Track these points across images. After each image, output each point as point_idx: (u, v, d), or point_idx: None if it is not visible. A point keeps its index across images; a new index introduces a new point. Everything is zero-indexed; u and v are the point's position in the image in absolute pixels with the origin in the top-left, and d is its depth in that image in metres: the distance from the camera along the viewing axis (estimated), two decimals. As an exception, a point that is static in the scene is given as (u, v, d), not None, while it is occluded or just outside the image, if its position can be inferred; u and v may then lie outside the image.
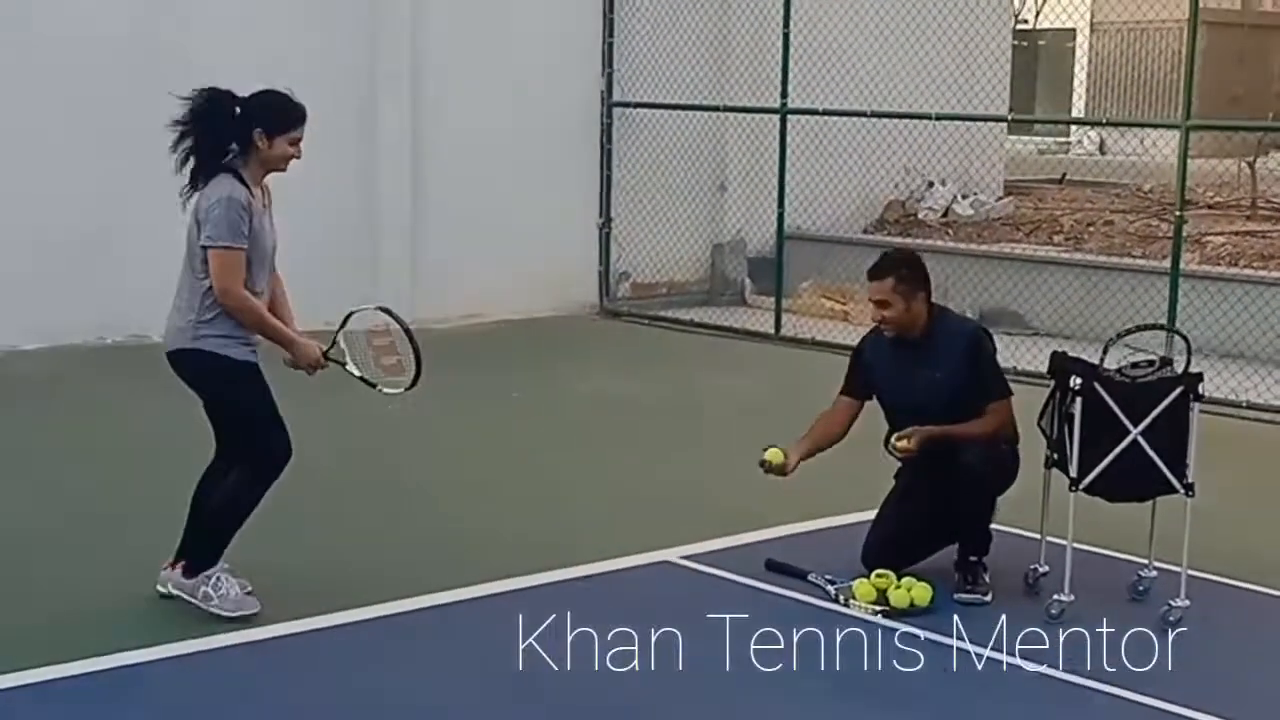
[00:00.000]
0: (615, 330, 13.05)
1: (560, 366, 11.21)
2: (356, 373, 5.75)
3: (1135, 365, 5.99)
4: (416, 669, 5.28)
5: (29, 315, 10.75)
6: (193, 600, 5.53)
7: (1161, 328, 6.28)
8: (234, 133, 5.42)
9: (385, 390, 5.78)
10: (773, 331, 12.65)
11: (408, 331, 5.74)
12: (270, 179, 5.61)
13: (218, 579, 5.51)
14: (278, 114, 5.48)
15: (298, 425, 5.67)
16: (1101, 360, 5.91)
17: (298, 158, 5.57)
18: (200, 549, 5.56)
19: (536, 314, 12.98)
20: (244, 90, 5.46)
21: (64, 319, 10.86)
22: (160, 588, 5.71)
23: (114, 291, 10.98)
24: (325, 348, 5.60)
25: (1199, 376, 5.86)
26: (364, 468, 7.92)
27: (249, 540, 5.63)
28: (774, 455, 6.09)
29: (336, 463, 7.73)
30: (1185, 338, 6.04)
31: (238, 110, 5.43)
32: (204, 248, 5.29)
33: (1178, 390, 5.79)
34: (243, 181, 5.40)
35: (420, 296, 9.78)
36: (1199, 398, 5.84)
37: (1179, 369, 5.94)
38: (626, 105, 13.58)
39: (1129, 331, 6.26)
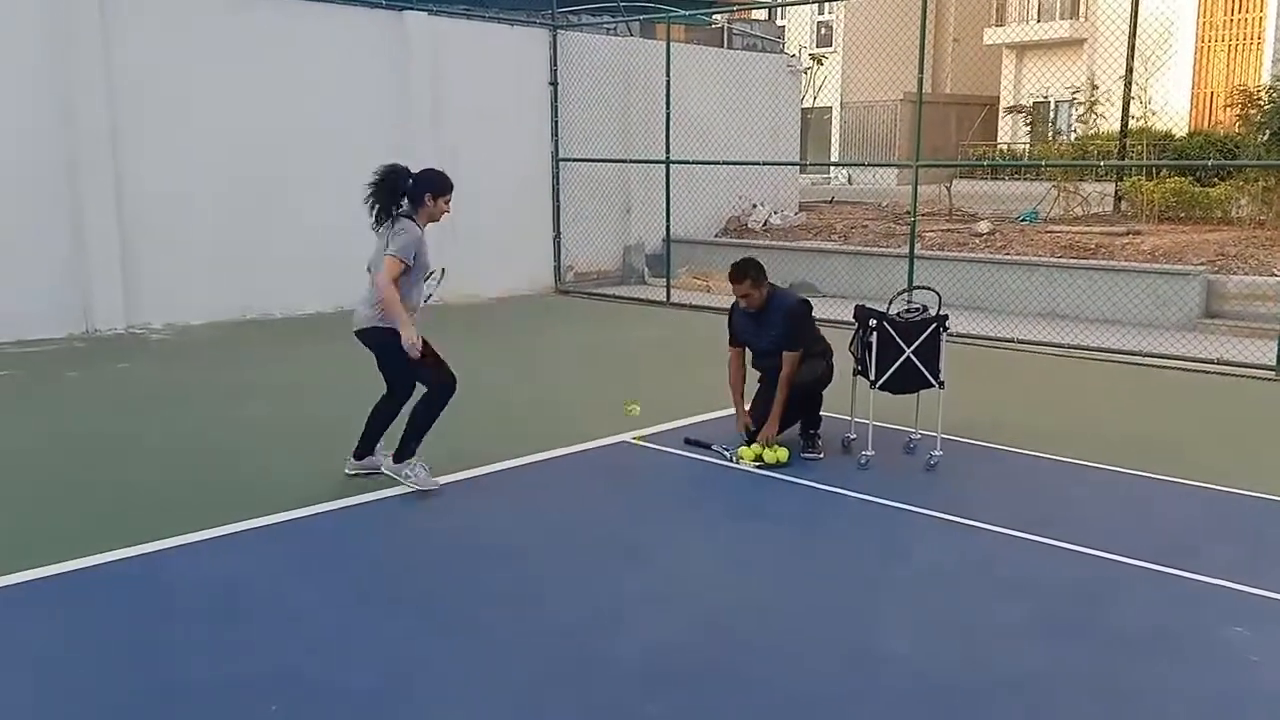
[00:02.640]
0: (566, 302, 12.97)
1: (535, 323, 11.17)
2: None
3: (907, 311, 6.14)
4: (498, 509, 5.31)
5: (198, 299, 10.49)
6: (398, 478, 5.41)
7: (925, 288, 6.36)
8: (409, 193, 5.31)
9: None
10: (664, 300, 12.64)
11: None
12: None
13: (415, 465, 5.42)
14: (440, 184, 5.39)
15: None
16: (887, 308, 6.06)
17: (449, 213, 5.45)
18: (404, 448, 5.40)
19: (518, 293, 12.88)
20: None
21: (217, 302, 10.60)
22: (348, 470, 5.57)
23: (250, 286, 10.77)
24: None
25: (946, 317, 5.99)
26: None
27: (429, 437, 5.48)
28: (632, 410, 6.45)
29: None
30: (938, 294, 6.11)
31: (411, 180, 5.31)
32: (386, 254, 5.16)
33: (933, 325, 5.96)
34: (417, 224, 5.31)
35: (459, 283, 9.85)
36: (946, 330, 6.03)
37: (933, 312, 6.04)
38: (567, 160, 13.43)
39: (904, 291, 6.43)
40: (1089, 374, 8.79)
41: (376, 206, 5.29)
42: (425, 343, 5.31)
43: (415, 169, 5.41)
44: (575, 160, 13.37)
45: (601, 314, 12.10)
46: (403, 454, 5.43)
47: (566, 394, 7.93)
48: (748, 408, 6.29)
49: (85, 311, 9.89)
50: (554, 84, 13.25)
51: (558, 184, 13.47)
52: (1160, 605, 4.24)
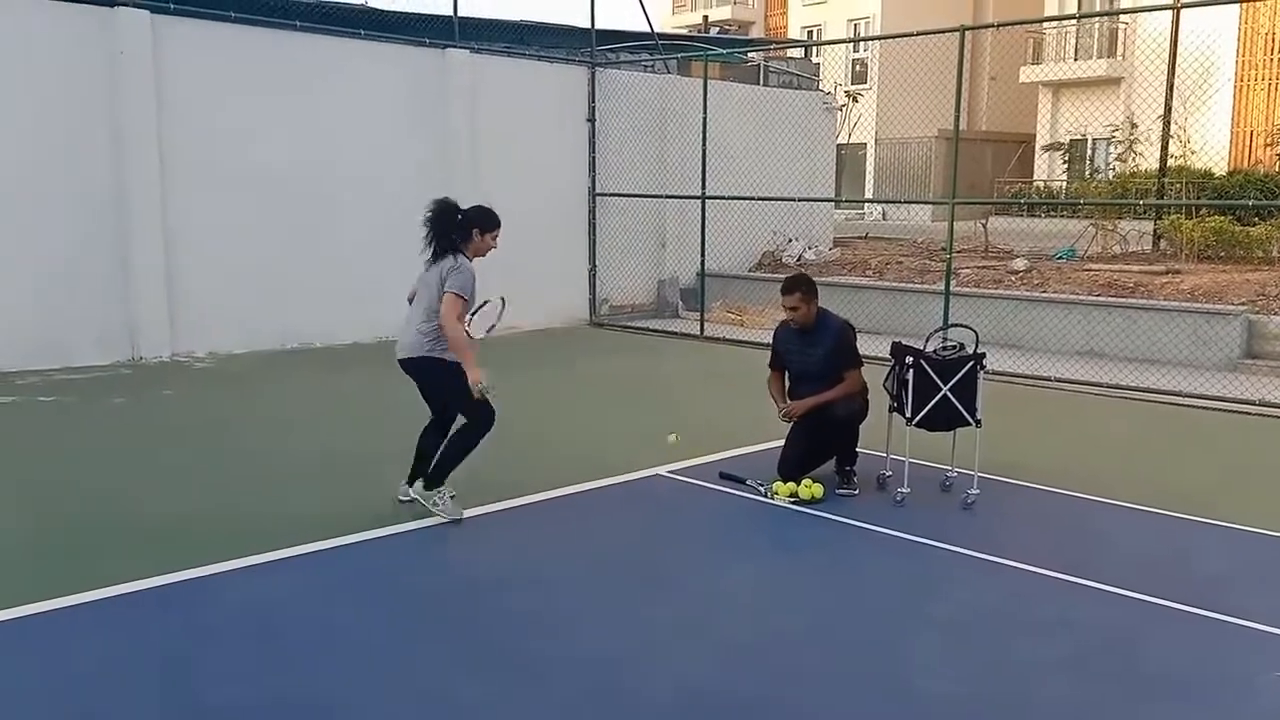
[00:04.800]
0: (600, 335, 13.03)
1: (570, 356, 11.23)
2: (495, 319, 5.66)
3: (944, 348, 6.14)
4: (532, 541, 5.34)
5: (241, 329, 10.67)
6: (427, 505, 5.47)
7: (963, 325, 6.34)
8: (459, 228, 5.41)
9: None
10: (698, 334, 12.67)
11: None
12: None
13: (444, 493, 5.46)
14: (488, 220, 5.48)
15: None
16: (924, 345, 6.06)
17: (495, 249, 5.54)
18: (436, 475, 5.45)
19: (554, 325, 12.95)
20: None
21: (258, 331, 10.78)
22: (401, 497, 5.62)
23: (290, 315, 10.94)
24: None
25: (983, 355, 5.97)
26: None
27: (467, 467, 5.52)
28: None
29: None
30: (975, 331, 6.11)
31: (460, 216, 5.41)
32: (445, 291, 5.24)
33: (970, 363, 5.95)
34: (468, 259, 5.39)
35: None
36: (983, 368, 6.01)
37: (970, 350, 6.02)
38: (604, 194, 13.56)
39: (940, 329, 6.41)
40: (1128, 414, 8.69)
41: (434, 241, 5.37)
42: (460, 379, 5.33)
43: (456, 203, 5.51)
44: (611, 195, 13.50)
45: (636, 347, 12.14)
46: (435, 481, 5.48)
47: (600, 426, 7.95)
48: (782, 447, 6.24)
49: (132, 339, 10.09)
50: (592, 120, 13.42)
51: (594, 218, 13.60)
52: (1195, 649, 4.17)
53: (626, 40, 14.81)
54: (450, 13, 12.19)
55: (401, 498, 5.64)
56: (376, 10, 12.33)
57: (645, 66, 14.58)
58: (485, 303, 5.58)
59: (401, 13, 12.16)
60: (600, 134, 13.48)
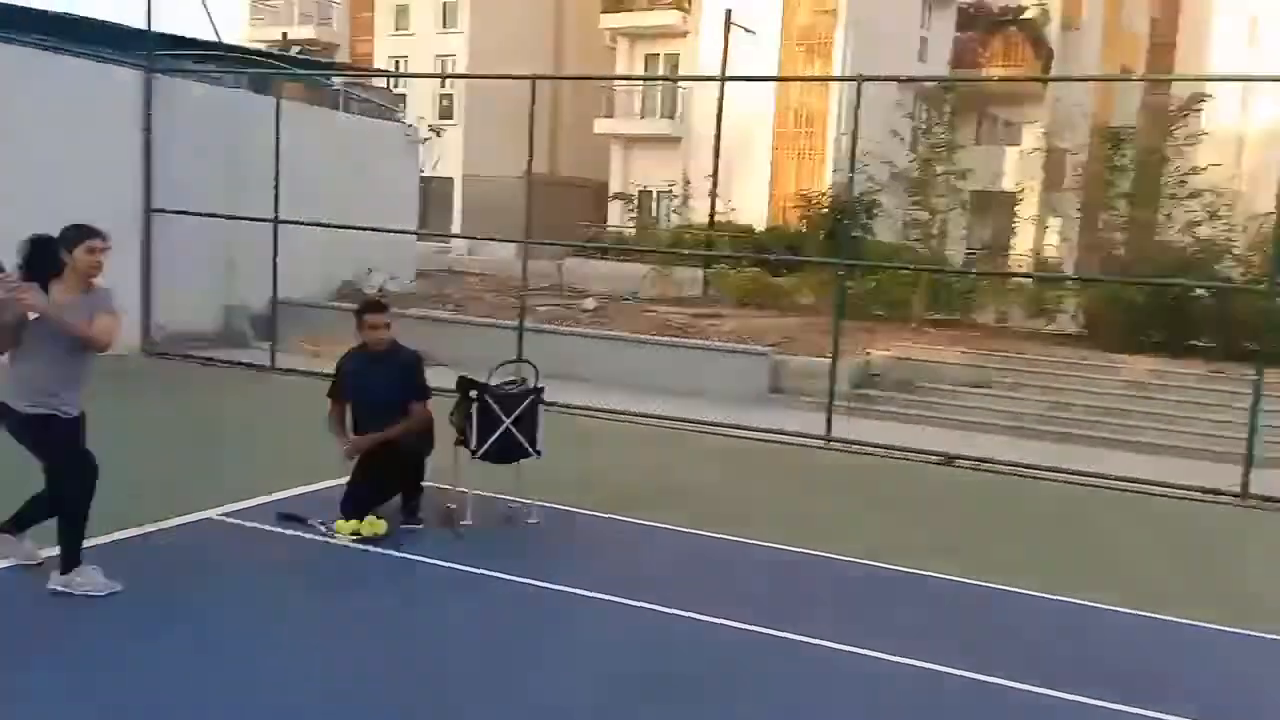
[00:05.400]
0: (155, 365, 11.87)
1: (118, 387, 10.06)
2: None
3: (508, 382, 6.39)
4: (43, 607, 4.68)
5: None
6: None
7: (523, 361, 6.65)
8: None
9: None
10: (269, 364, 12.03)
11: None
12: None
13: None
14: (73, 235, 4.73)
15: None
16: (489, 379, 6.27)
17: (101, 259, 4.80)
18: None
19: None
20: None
21: None
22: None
23: None
24: None
25: (542, 389, 6.32)
26: None
27: None
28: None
29: None
30: (535, 366, 6.44)
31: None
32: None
33: (531, 397, 6.26)
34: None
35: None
36: (543, 401, 6.34)
37: (531, 384, 6.36)
38: (161, 211, 12.47)
39: (504, 364, 6.65)
40: (673, 442, 9.59)
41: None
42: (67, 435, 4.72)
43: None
44: (173, 213, 12.45)
45: (196, 379, 11.28)
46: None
47: (151, 467, 7.20)
48: (346, 484, 6.08)
49: None
50: (147, 130, 12.31)
51: (149, 235, 12.45)
52: (724, 657, 4.69)
53: (190, 47, 13.80)
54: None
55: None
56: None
57: (214, 79, 13.68)
58: None
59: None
60: (159, 146, 12.40)
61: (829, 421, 9.79)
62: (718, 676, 4.42)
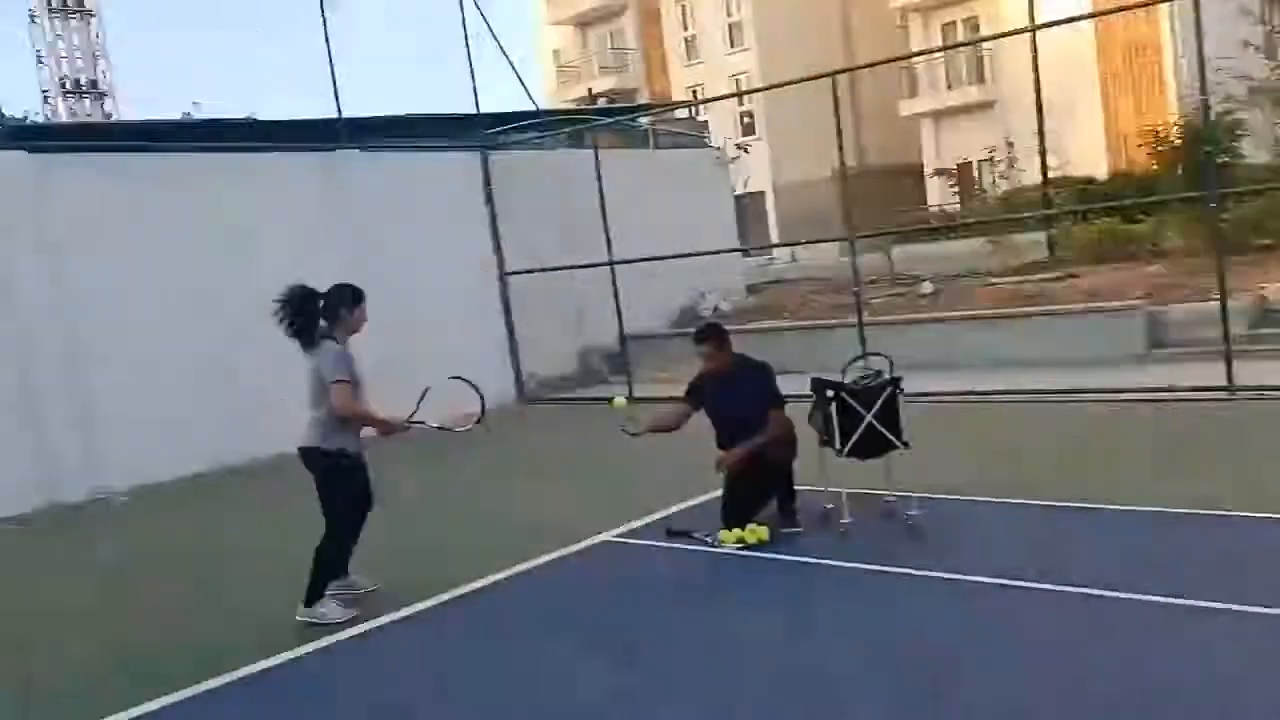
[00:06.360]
0: (531, 411, 12.96)
1: (503, 433, 11.07)
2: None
3: (862, 378, 6.29)
4: (481, 629, 5.22)
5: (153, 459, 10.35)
6: (311, 620, 5.40)
7: (875, 354, 6.50)
8: (324, 314, 5.43)
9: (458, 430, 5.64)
10: (627, 396, 12.65)
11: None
12: None
13: (324, 602, 5.38)
14: (348, 295, 5.47)
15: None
16: (842, 377, 6.20)
17: (366, 320, 5.52)
18: (310, 595, 5.35)
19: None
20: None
21: (176, 458, 10.45)
22: (299, 617, 5.44)
23: (207, 439, 10.66)
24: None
25: (900, 378, 6.13)
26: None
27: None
28: (618, 403, 6.50)
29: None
30: (889, 358, 6.27)
31: (321, 300, 5.40)
32: (331, 385, 5.27)
33: (889, 388, 6.10)
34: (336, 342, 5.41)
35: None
36: (902, 391, 6.15)
37: (886, 376, 6.17)
38: (513, 273, 13.64)
39: (855, 360, 6.57)
40: (1048, 417, 8.96)
41: (294, 326, 5.33)
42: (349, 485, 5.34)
43: (311, 289, 5.42)
44: (521, 273, 13.58)
45: (566, 418, 12.15)
46: (311, 598, 5.35)
47: (543, 502, 7.88)
48: (721, 496, 6.26)
49: (48, 484, 9.72)
50: (490, 203, 13.55)
51: (507, 297, 13.64)
52: (1191, 643, 4.20)
53: (515, 120, 15.03)
54: (335, 115, 12.24)
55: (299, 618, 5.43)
56: (262, 121, 12.29)
57: (536, 144, 14.80)
58: (428, 389, 5.51)
59: (289, 121, 12.13)
60: (501, 215, 13.60)
61: (1229, 370, 8.72)
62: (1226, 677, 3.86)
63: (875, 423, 6.00)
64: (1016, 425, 8.83)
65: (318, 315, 5.36)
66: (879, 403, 6.01)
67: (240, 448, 10.65)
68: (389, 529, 6.23)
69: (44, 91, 21.59)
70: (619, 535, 6.50)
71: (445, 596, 5.63)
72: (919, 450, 6.18)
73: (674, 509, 6.89)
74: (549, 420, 12.13)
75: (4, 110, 9.75)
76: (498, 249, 13.59)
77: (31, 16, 62.15)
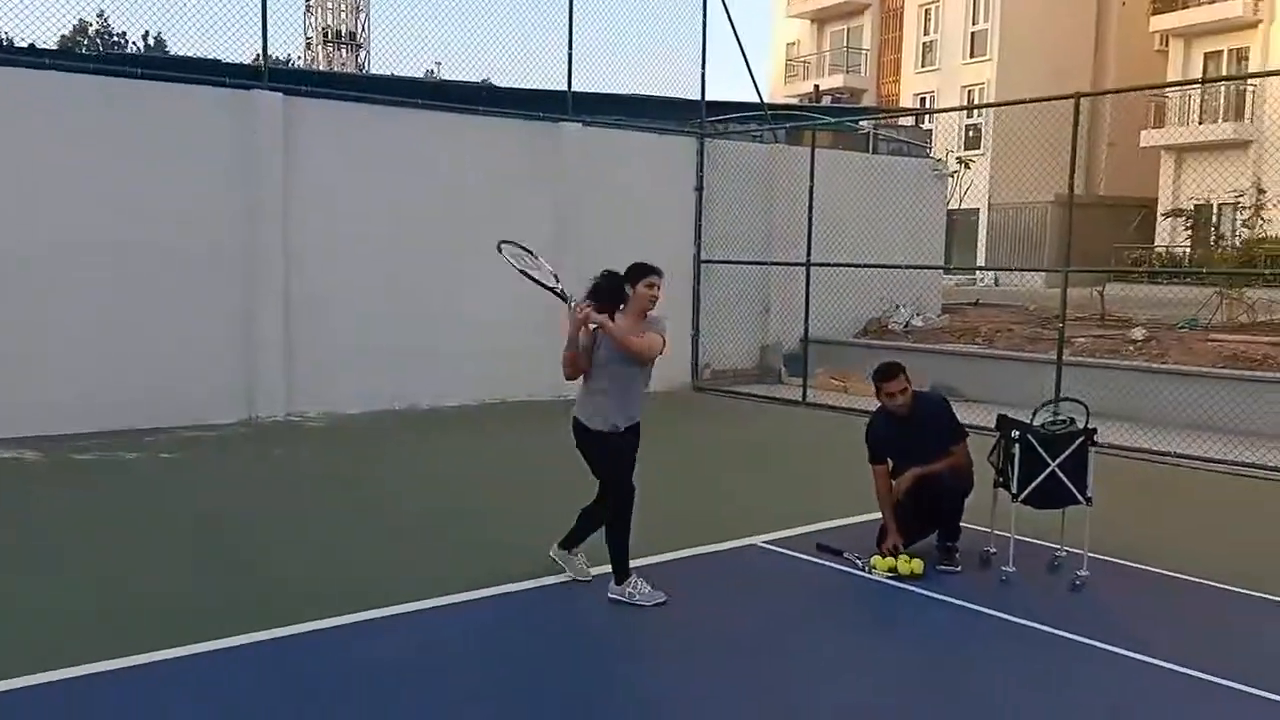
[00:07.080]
0: (702, 400, 13.01)
1: (671, 421, 11.15)
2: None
3: (1053, 422, 5.91)
4: (628, 609, 5.30)
5: (351, 390, 11.04)
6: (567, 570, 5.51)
7: (1072, 399, 6.09)
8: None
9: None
10: (800, 400, 12.56)
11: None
12: None
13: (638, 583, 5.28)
14: (636, 271, 5.40)
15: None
16: (1031, 419, 5.86)
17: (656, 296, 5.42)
18: (616, 571, 5.29)
19: (656, 389, 12.91)
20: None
21: (370, 393, 11.12)
22: (550, 553, 5.58)
23: (401, 375, 11.27)
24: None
25: (1094, 430, 5.75)
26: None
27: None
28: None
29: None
30: (1086, 405, 5.88)
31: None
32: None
33: (1080, 438, 5.73)
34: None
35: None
36: (1094, 443, 5.78)
37: (1080, 425, 5.79)
38: (709, 261, 13.68)
39: (1049, 402, 6.19)
40: (1256, 494, 8.20)
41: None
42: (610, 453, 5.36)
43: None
44: (718, 262, 13.58)
45: (737, 412, 12.09)
46: (618, 575, 5.31)
47: (699, 494, 7.88)
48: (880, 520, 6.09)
49: (250, 400, 10.54)
50: (700, 189, 13.59)
51: (698, 284, 13.68)
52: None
53: (736, 111, 14.99)
54: (565, 88, 12.55)
55: (551, 554, 5.58)
56: (495, 87, 12.75)
57: (754, 136, 14.71)
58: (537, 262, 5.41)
59: (519, 89, 12.54)
60: (707, 202, 13.64)
61: None
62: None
63: (1060, 472, 5.65)
64: (1218, 497, 8.13)
65: (614, 296, 5.34)
66: (1067, 452, 5.65)
67: (443, 391, 11.35)
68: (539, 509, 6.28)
69: (308, 38, 23.23)
70: (768, 541, 6.40)
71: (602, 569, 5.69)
72: (1101, 507, 5.79)
73: (830, 524, 6.73)
74: (718, 411, 12.11)
75: (271, 54, 10.52)
76: (698, 236, 13.63)
77: (306, -36, 66.78)
